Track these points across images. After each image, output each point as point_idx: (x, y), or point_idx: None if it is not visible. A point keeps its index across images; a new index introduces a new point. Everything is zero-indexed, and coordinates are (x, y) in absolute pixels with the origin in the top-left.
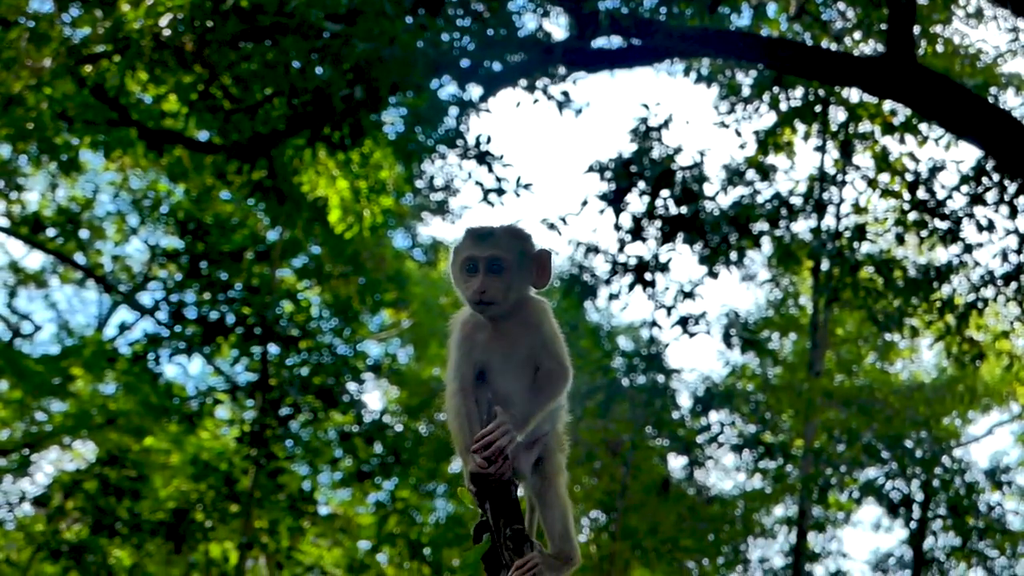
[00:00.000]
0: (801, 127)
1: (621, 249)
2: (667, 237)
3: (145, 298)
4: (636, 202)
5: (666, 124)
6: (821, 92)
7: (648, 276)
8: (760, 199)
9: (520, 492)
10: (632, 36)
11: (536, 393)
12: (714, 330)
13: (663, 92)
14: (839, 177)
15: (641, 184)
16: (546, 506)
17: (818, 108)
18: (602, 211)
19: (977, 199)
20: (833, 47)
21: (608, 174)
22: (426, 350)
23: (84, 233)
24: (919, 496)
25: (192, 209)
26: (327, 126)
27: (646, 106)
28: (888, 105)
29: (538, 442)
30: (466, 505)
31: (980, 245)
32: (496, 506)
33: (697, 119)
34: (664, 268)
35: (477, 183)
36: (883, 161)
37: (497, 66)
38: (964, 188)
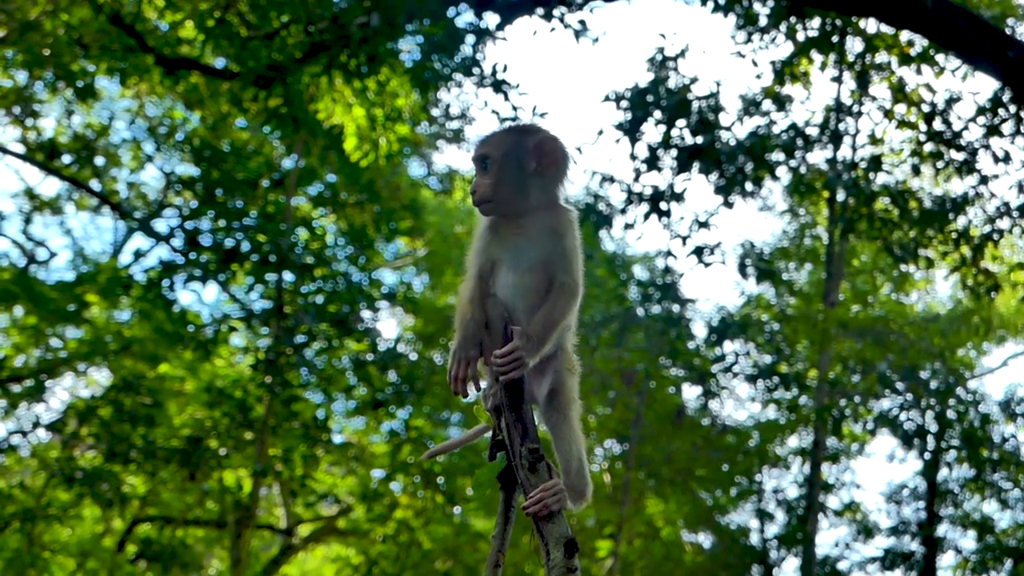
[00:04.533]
0: (818, 57)
1: (636, 179)
2: (683, 167)
3: (160, 225)
4: (652, 132)
5: (683, 54)
6: (838, 22)
7: (663, 206)
8: (776, 129)
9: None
10: None
11: (550, 310)
12: (729, 260)
13: (680, 21)
14: (855, 108)
15: (657, 114)
16: (561, 440)
17: (835, 38)
18: (618, 141)
19: (993, 130)
20: None
21: (624, 104)
22: (441, 278)
23: (100, 160)
24: (933, 427)
25: (207, 136)
26: (343, 53)
27: (663, 35)
28: (905, 36)
29: (549, 364)
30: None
31: (996, 176)
32: (511, 424)
33: (714, 49)
34: (679, 198)
35: (493, 112)
36: (899, 92)
37: None
38: (980, 119)
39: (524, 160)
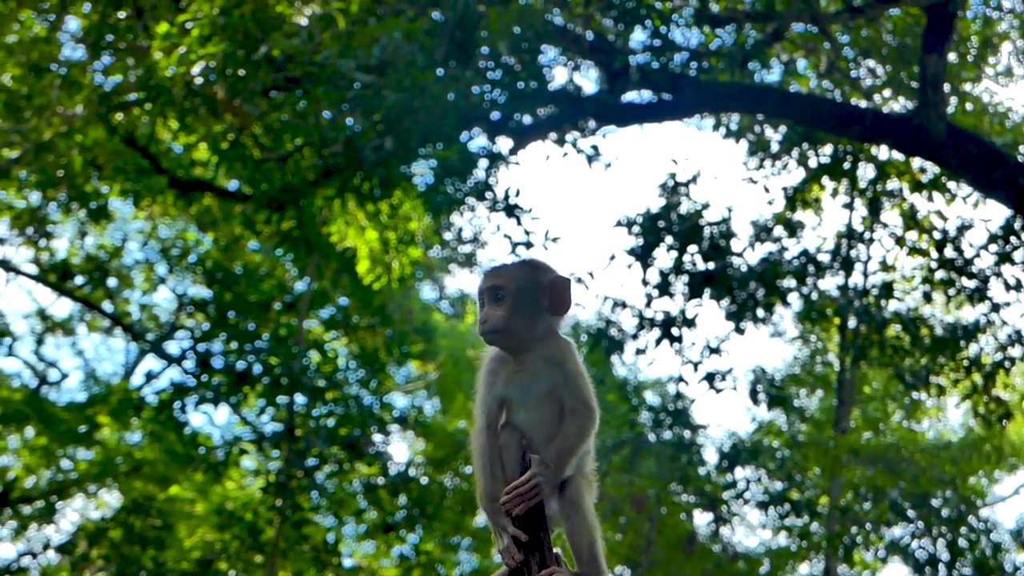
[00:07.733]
0: (829, 184)
1: (648, 304)
2: (694, 292)
3: (172, 347)
4: (664, 257)
5: (694, 179)
6: (850, 149)
7: (675, 331)
8: (788, 256)
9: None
10: (662, 91)
11: (564, 436)
12: (741, 386)
13: (692, 146)
14: (867, 234)
15: (669, 239)
16: (572, 527)
17: (847, 165)
18: (630, 266)
19: (1005, 258)
20: (863, 104)
21: (636, 229)
22: (452, 402)
23: (112, 281)
24: (945, 556)
25: (220, 258)
26: (357, 177)
27: (675, 161)
28: (917, 163)
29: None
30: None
31: (1008, 304)
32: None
33: (725, 174)
34: (691, 323)
35: (505, 236)
36: (911, 219)
37: (527, 119)
38: (992, 247)
39: (538, 297)
